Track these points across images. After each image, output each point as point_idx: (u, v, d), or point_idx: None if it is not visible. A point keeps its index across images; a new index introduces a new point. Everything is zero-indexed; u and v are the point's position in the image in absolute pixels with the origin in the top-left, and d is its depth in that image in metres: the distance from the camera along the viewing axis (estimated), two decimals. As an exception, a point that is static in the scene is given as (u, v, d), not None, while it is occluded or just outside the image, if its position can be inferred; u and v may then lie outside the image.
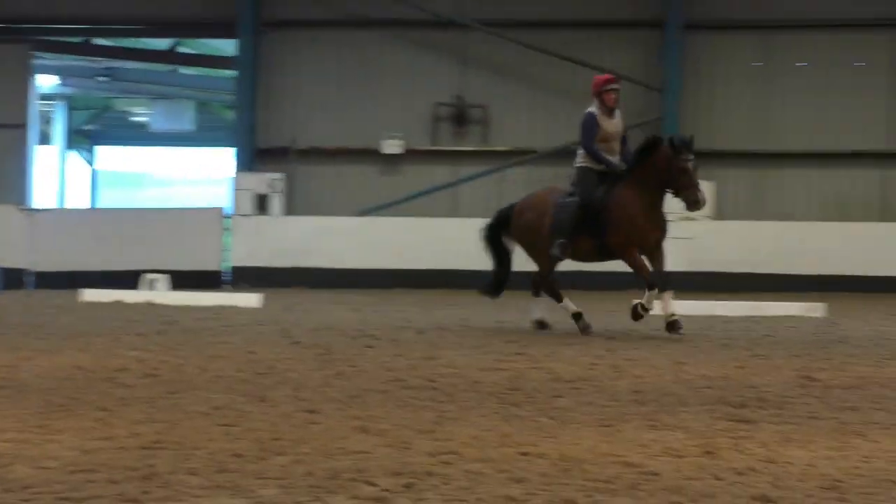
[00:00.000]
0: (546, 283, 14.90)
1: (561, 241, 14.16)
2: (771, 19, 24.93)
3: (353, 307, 18.69)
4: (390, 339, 13.60)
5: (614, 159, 14.20)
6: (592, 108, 14.30)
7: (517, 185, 25.36)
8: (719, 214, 24.36)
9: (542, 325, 14.76)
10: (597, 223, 14.08)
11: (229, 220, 24.76)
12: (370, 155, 25.67)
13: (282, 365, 11.11)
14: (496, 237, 15.32)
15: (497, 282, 15.47)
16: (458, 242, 23.83)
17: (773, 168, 24.96)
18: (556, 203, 14.43)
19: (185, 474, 6.44)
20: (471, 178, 25.38)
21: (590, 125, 14.22)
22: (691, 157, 13.78)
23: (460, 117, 25.63)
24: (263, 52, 25.86)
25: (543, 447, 7.30)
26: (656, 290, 13.88)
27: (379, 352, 12.34)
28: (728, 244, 23.26)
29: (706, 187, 23.78)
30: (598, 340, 13.71)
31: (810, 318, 16.91)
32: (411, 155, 25.65)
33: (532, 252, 14.94)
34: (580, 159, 14.38)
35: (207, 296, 19.21)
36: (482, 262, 23.48)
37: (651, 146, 14.03)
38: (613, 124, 14.30)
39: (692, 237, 23.21)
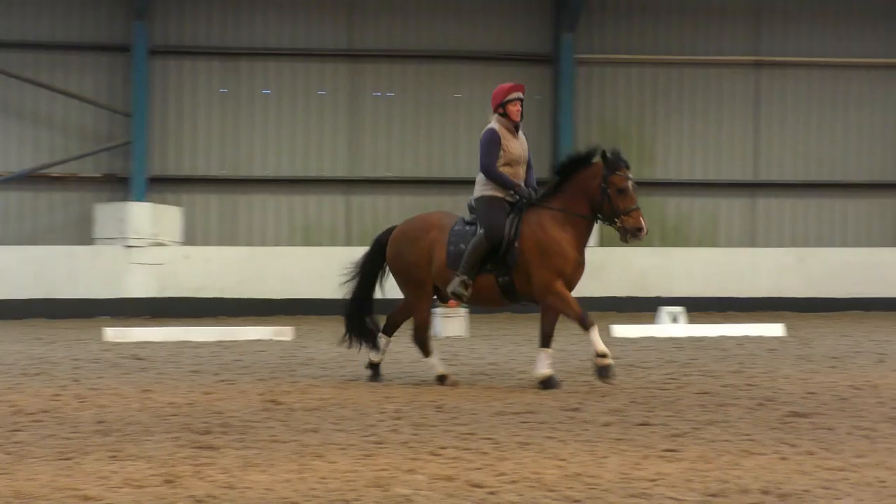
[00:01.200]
0: (419, 331, 12.18)
1: (463, 278, 11.60)
2: (235, 46, 25.16)
3: None
4: None
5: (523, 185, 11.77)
6: (493, 124, 11.72)
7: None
8: (189, 240, 24.36)
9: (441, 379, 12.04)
10: (504, 260, 11.61)
11: None
12: None
13: None
14: (367, 270, 12.59)
15: (360, 326, 12.62)
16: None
17: (243, 194, 25.20)
18: (451, 230, 11.90)
19: None
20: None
21: (492, 144, 11.61)
22: (630, 173, 11.47)
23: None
24: None
25: (-2, 486, 7.06)
26: (596, 329, 11.42)
27: None
28: (198, 270, 23.34)
29: (176, 214, 24.11)
30: (63, 370, 13.37)
31: (279, 341, 17.20)
32: None
33: (410, 288, 12.19)
34: (482, 187, 11.77)
35: None
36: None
37: (578, 161, 11.67)
38: (519, 145, 11.75)
39: (162, 263, 23.13)
